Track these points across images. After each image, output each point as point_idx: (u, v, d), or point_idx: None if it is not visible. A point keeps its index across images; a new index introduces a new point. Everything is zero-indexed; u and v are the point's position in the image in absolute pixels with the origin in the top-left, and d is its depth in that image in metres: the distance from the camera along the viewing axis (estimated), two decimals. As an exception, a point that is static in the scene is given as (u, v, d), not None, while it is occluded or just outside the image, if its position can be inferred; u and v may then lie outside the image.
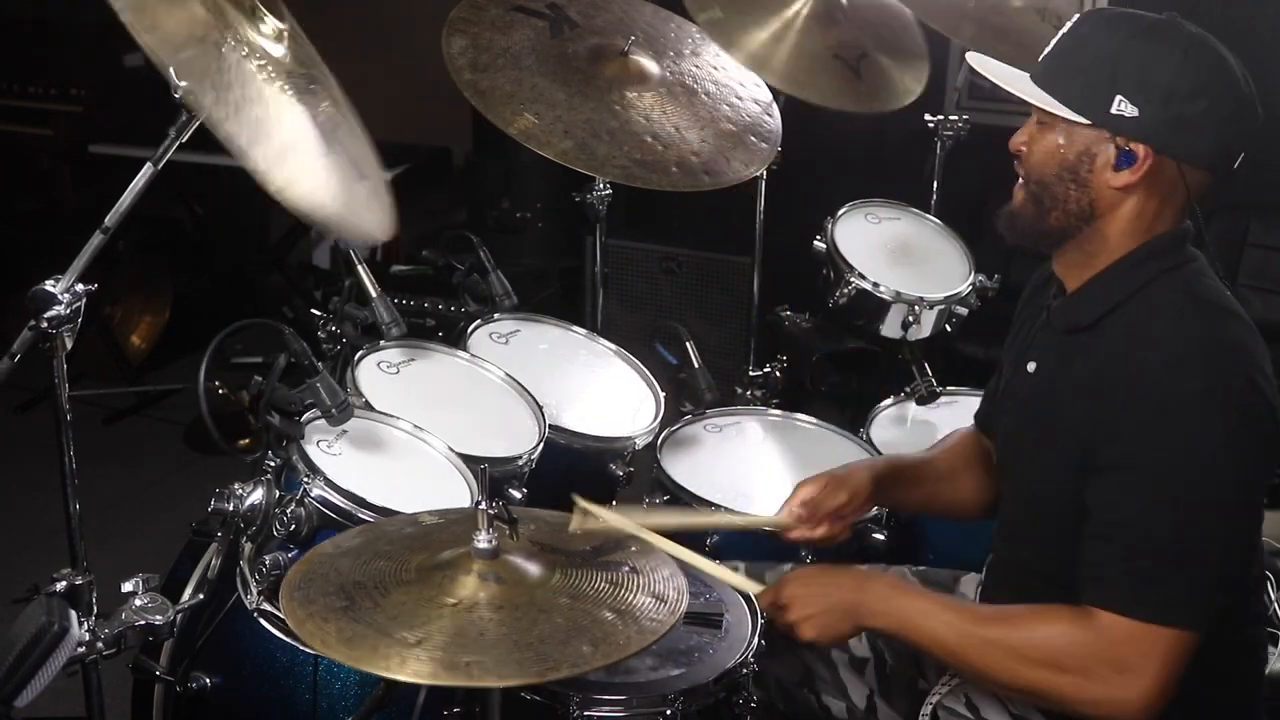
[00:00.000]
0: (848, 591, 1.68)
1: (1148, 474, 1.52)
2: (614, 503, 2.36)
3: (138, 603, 1.67)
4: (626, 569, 1.52)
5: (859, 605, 1.66)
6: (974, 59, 1.71)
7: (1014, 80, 1.65)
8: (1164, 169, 1.58)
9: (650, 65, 2.43)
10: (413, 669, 1.31)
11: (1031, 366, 1.73)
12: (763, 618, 1.76)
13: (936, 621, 1.62)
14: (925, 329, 2.61)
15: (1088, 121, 1.58)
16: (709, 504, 2.20)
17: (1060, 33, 1.65)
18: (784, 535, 1.88)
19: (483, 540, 1.46)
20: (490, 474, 1.52)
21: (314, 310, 2.24)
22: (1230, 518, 1.54)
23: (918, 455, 2.04)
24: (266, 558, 1.77)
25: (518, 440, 2.11)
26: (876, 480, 1.89)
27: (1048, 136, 1.63)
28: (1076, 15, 1.66)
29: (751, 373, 2.88)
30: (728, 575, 1.77)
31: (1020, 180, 1.69)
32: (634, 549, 1.59)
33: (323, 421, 1.87)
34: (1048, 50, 1.65)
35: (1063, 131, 1.61)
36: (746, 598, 1.82)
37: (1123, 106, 1.55)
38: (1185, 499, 1.51)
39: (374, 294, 2.15)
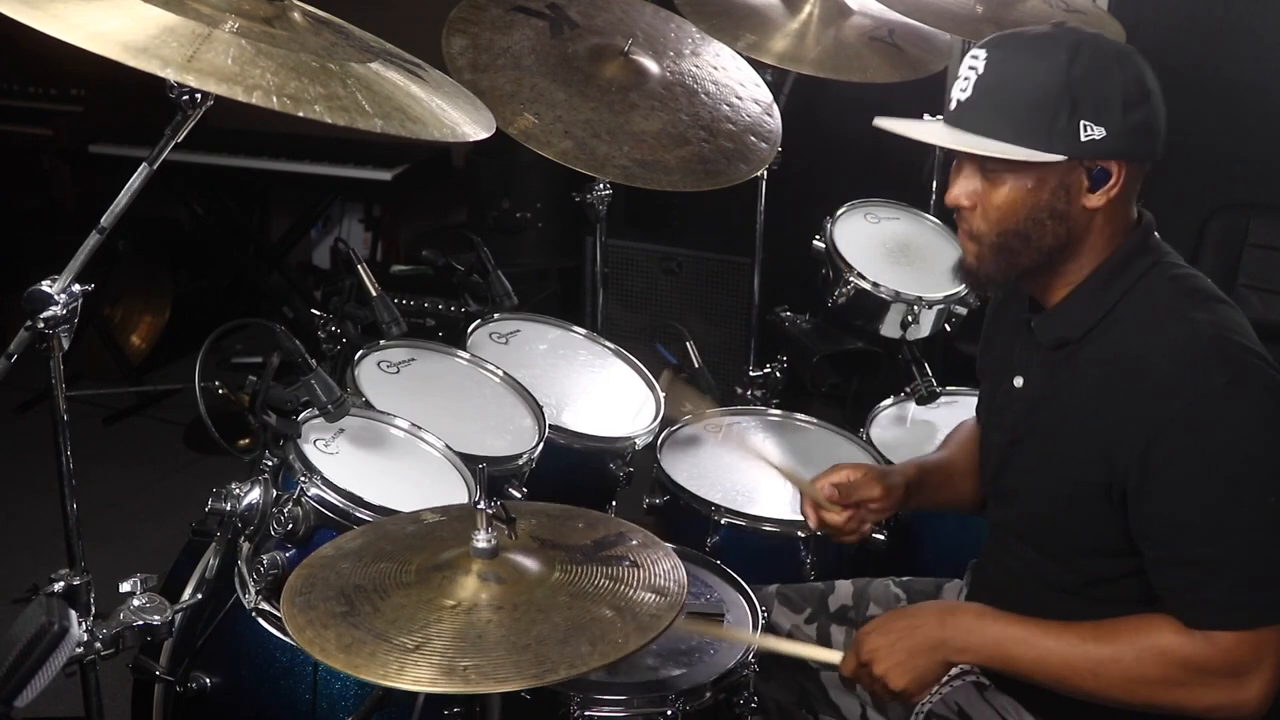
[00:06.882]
0: (930, 629, 1.63)
1: (1202, 487, 1.50)
2: (614, 503, 2.37)
3: (135, 603, 1.67)
4: (627, 563, 1.51)
5: (945, 641, 1.62)
6: (884, 122, 1.64)
7: (943, 136, 1.58)
8: (1132, 176, 1.58)
9: (650, 65, 2.43)
10: (410, 676, 1.30)
11: (1019, 382, 1.71)
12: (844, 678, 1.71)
13: (1037, 648, 1.58)
14: (924, 328, 2.61)
15: (1063, 157, 1.54)
16: (709, 504, 2.20)
17: (969, 74, 1.57)
18: (803, 508, 1.88)
19: (481, 540, 1.45)
20: (490, 473, 1.52)
21: (314, 310, 2.24)
22: None
23: (939, 457, 2.01)
24: (264, 557, 1.77)
25: (518, 440, 2.11)
26: (909, 487, 1.88)
27: (1006, 184, 1.57)
28: (972, 53, 1.57)
29: (751, 373, 2.89)
30: (807, 650, 1.77)
31: (968, 234, 1.63)
32: (635, 543, 1.58)
33: (321, 421, 1.87)
34: (964, 98, 1.56)
35: (1028, 174, 1.56)
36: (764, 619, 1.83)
37: (1090, 131, 1.52)
38: (1248, 499, 1.49)
39: (374, 293, 2.15)
